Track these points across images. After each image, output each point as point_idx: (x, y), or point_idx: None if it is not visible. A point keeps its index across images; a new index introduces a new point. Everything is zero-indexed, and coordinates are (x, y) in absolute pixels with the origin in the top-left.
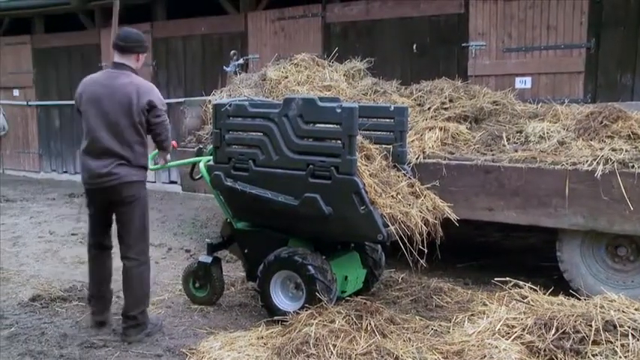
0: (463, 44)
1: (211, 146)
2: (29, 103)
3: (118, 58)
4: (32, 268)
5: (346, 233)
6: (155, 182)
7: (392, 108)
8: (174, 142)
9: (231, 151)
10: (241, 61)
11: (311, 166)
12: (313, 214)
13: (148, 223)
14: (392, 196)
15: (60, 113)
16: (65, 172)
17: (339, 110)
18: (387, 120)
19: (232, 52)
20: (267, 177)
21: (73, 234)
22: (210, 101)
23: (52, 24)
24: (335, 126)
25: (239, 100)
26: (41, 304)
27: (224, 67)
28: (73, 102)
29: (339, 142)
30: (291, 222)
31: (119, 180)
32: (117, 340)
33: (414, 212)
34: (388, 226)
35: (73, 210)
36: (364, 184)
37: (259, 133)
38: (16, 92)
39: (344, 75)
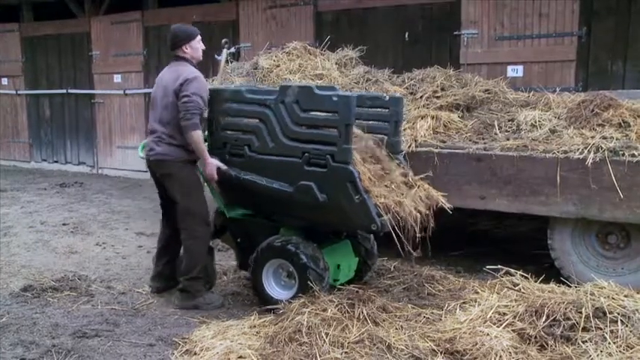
0: (455, 32)
1: (206, 132)
2: (18, 91)
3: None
4: (23, 258)
5: (340, 222)
6: None
7: (387, 98)
8: None
9: (227, 137)
10: (233, 49)
11: (306, 153)
12: (307, 201)
13: (193, 201)
14: (386, 185)
15: (50, 102)
16: (56, 161)
17: (335, 99)
18: (382, 110)
19: (224, 40)
20: (262, 163)
21: (64, 224)
22: None
23: (41, 12)
24: (331, 114)
25: (235, 86)
26: (32, 294)
27: (215, 55)
28: (63, 91)
29: (335, 130)
30: (285, 210)
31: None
32: (109, 330)
33: (407, 202)
34: (382, 216)
35: (63, 200)
36: (359, 173)
37: (255, 119)
38: (4, 81)
39: (336, 63)
